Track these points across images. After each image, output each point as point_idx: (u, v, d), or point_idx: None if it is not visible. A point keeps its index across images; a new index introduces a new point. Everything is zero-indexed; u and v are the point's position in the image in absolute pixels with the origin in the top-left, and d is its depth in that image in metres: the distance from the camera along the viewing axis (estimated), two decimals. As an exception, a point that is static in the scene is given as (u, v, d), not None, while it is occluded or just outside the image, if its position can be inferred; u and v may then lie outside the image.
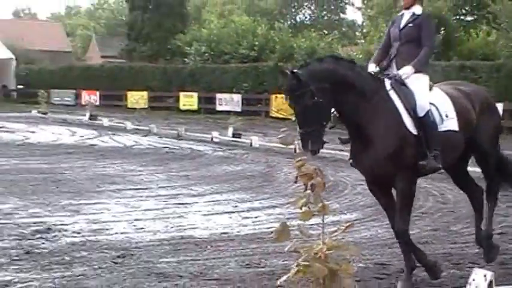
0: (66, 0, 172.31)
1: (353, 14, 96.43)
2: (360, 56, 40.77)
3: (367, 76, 7.32)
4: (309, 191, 4.39)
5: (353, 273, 4.58)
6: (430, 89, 7.55)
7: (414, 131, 7.09)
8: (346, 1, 79.38)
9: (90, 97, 49.74)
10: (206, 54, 48.27)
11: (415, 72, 7.38)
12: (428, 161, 7.06)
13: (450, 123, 7.40)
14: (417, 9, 7.65)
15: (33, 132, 28.28)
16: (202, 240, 9.22)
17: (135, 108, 44.61)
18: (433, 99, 7.41)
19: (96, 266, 7.79)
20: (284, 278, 4.36)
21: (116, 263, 7.96)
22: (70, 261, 7.99)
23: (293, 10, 78.24)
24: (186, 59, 49.30)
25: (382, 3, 47.66)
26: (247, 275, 7.50)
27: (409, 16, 7.63)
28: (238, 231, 9.73)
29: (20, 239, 8.98)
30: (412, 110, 7.13)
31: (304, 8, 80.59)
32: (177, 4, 59.65)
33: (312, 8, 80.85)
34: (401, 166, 7.05)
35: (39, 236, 9.20)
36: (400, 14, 7.87)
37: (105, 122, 32.77)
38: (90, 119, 35.95)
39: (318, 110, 6.72)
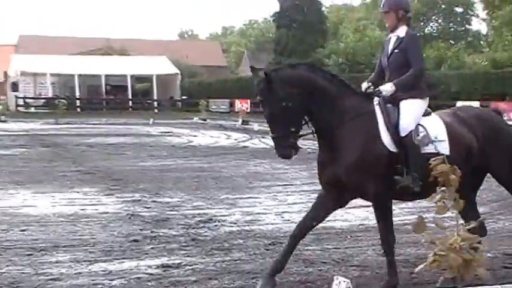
0: (223, 21, 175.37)
1: (478, 25, 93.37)
2: (485, 63, 39.37)
3: (347, 88, 6.45)
4: (444, 188, 4.28)
5: (485, 263, 4.44)
6: (428, 114, 6.60)
7: (392, 148, 6.23)
8: (472, 13, 76.65)
9: (242, 105, 50.45)
10: (343, 65, 48.14)
11: (410, 98, 6.43)
12: (403, 178, 6.17)
13: (439, 145, 6.36)
14: (401, 31, 6.59)
15: (195, 136, 28.97)
16: (342, 230, 9.15)
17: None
18: (425, 121, 6.47)
19: (251, 252, 7.88)
20: (421, 266, 4.26)
21: (267, 250, 8.02)
22: (229, 247, 8.12)
23: (421, 23, 76.30)
24: (325, 70, 49.28)
25: (506, 14, 45.91)
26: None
27: (395, 40, 6.62)
28: (374, 223, 9.42)
29: (187, 228, 9.21)
30: (393, 127, 6.28)
31: (432, 21, 78.47)
32: (318, 22, 59.92)
33: (440, 20, 78.60)
34: (371, 180, 6.20)
35: (202, 225, 9.39)
36: (387, 38, 6.81)
37: (255, 126, 33.10)
38: (242, 124, 36.48)
39: (286, 115, 6.01)
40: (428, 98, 6.72)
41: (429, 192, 6.39)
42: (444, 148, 6.36)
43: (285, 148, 6.11)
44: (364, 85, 6.69)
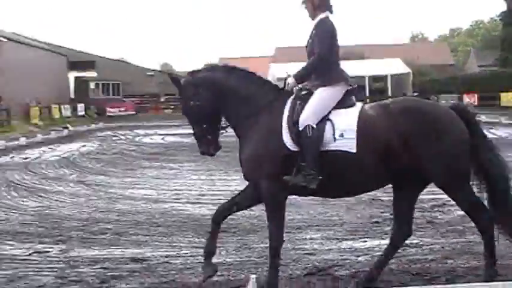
0: (450, 23, 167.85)
1: None
2: None
3: (261, 86, 5.75)
4: None
5: None
6: (351, 105, 5.55)
7: (293, 147, 5.40)
8: None
9: (470, 99, 48.18)
10: None
11: (321, 86, 5.54)
12: (293, 178, 5.33)
13: (344, 143, 5.35)
14: (318, 19, 5.72)
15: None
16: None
17: (508, 107, 42.21)
18: (337, 116, 5.46)
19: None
20: None
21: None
22: (462, 230, 7.71)
23: None
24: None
25: None
26: None
27: (312, 28, 5.74)
28: None
29: (423, 211, 8.86)
30: (294, 122, 5.42)
31: None
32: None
33: None
34: (265, 177, 5.42)
35: (436, 209, 9.05)
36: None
37: (483, 118, 31.26)
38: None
39: (196, 113, 5.68)
40: (343, 86, 5.60)
41: (331, 191, 5.66)
42: (349, 146, 5.35)
43: (203, 145, 5.77)
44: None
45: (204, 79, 5.78)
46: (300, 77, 5.69)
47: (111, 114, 50.49)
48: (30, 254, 7.20)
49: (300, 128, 5.40)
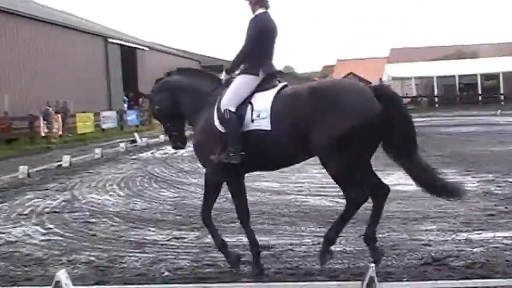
0: None
1: None
2: None
3: (207, 80, 6.06)
4: None
5: None
6: (271, 87, 5.64)
7: (221, 128, 5.64)
8: None
9: None
10: None
11: (241, 74, 5.77)
12: (217, 156, 5.54)
13: (260, 122, 5.52)
14: (254, 14, 5.80)
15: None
16: None
17: None
18: (256, 98, 5.62)
19: None
20: None
21: None
22: None
23: None
24: None
25: None
26: None
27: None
28: None
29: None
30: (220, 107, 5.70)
31: None
32: None
33: None
34: (205, 158, 5.79)
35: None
36: None
37: None
38: None
39: (161, 114, 6.20)
40: (261, 74, 5.72)
41: (261, 165, 5.91)
42: (265, 125, 5.50)
43: (172, 141, 6.24)
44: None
45: (163, 83, 6.26)
46: (230, 70, 5.96)
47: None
48: (169, 240, 7.49)
49: (222, 111, 5.64)
